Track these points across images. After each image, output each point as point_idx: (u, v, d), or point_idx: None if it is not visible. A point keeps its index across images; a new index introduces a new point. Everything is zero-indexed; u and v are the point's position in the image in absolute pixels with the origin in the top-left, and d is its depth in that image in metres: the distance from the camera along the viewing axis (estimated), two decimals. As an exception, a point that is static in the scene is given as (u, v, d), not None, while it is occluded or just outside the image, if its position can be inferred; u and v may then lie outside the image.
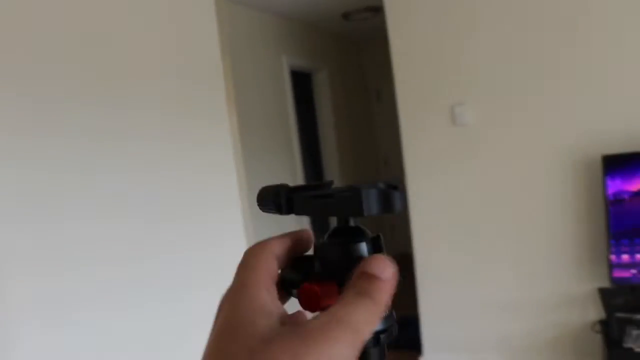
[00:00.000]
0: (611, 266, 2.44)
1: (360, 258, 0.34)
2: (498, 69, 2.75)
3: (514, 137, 2.75)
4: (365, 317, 0.31)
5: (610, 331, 2.43)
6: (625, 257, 2.44)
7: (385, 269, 0.33)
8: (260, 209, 0.40)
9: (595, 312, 2.67)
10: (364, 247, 0.35)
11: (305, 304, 0.34)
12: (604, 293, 2.56)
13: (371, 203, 0.33)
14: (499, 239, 2.89)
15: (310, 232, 0.40)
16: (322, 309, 0.33)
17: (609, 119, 2.54)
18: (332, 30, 4.55)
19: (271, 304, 0.32)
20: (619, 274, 2.44)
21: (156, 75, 2.24)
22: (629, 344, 2.33)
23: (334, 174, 4.46)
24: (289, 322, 0.31)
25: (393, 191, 0.34)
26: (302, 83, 4.20)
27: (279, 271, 0.38)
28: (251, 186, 2.88)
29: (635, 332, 2.41)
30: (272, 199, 0.38)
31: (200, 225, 2.44)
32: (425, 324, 3.16)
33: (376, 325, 0.32)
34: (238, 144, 2.74)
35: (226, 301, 0.33)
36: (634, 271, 2.43)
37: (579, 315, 2.72)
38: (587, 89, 2.58)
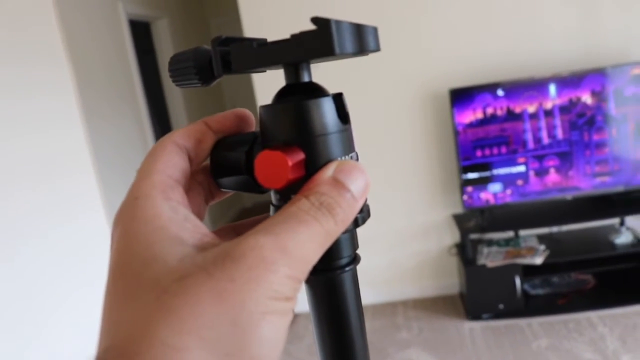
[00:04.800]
0: (463, 192, 2.65)
1: (320, 123, 0.27)
2: (346, 13, 2.75)
3: (366, 71, 2.77)
4: (318, 242, 0.24)
5: (465, 252, 2.66)
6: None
7: (358, 180, 0.26)
8: (175, 80, 0.30)
9: (450, 236, 2.91)
10: (327, 105, 0.28)
11: (268, 178, 0.26)
12: (457, 218, 2.78)
13: (343, 37, 0.25)
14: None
15: (248, 111, 0.32)
16: (290, 183, 0.26)
17: (454, 56, 2.70)
18: (168, -25, 4.25)
19: (177, 221, 0.24)
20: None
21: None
22: (481, 261, 2.58)
23: (182, 125, 4.21)
24: (207, 243, 0.24)
25: (365, 25, 0.27)
26: (141, 33, 3.88)
27: (207, 161, 0.30)
28: (97, 147, 2.64)
29: (486, 250, 2.66)
30: (193, 61, 0.29)
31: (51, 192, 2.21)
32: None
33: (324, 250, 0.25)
34: (76, 101, 2.48)
35: (118, 223, 0.25)
36: (465, 197, 2.65)
37: (435, 241, 2.93)
38: (435, 28, 2.70)
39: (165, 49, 4.13)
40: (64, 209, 2.30)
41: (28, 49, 2.25)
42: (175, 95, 4.22)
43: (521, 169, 2.58)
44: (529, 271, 2.60)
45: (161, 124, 4.25)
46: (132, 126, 3.26)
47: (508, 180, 2.60)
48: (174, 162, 0.27)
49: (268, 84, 2.76)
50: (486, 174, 2.60)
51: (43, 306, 2.10)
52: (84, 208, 2.47)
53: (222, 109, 5.32)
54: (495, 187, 2.61)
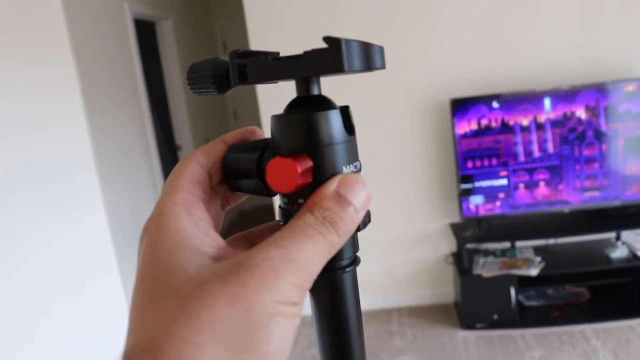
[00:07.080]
0: (461, 202, 2.66)
1: (327, 133, 0.29)
2: (351, 19, 2.77)
3: (369, 79, 2.78)
4: (322, 254, 0.26)
5: (462, 261, 2.67)
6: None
7: (360, 194, 0.28)
8: (192, 88, 0.32)
9: (446, 245, 2.92)
10: (335, 117, 0.29)
11: (278, 183, 0.28)
12: (455, 227, 2.79)
13: (352, 55, 0.27)
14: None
15: (259, 129, 0.34)
16: (298, 188, 0.28)
17: (456, 67, 2.72)
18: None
19: (197, 235, 0.27)
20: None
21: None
22: (477, 270, 2.59)
23: (183, 126, 4.26)
24: (224, 255, 0.26)
25: (373, 45, 0.28)
26: (146, 33, 3.90)
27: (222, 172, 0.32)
28: (98, 145, 2.65)
29: (482, 260, 2.68)
30: (211, 71, 0.31)
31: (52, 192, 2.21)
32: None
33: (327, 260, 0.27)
34: (80, 99, 2.50)
35: (145, 234, 0.28)
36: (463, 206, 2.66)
37: (432, 249, 2.95)
38: (439, 38, 2.72)
39: (169, 50, 4.15)
40: (65, 207, 2.31)
41: (34, 46, 2.26)
42: (177, 95, 4.24)
43: (503, 182, 2.60)
44: (524, 282, 2.61)
45: (163, 124, 4.27)
46: (133, 125, 3.27)
47: (489, 194, 2.61)
48: (196, 179, 0.30)
49: (270, 89, 2.77)
50: (469, 185, 2.62)
51: (41, 303, 2.10)
52: (84, 206, 2.48)
53: (224, 110, 5.35)
54: (477, 200, 2.63)
